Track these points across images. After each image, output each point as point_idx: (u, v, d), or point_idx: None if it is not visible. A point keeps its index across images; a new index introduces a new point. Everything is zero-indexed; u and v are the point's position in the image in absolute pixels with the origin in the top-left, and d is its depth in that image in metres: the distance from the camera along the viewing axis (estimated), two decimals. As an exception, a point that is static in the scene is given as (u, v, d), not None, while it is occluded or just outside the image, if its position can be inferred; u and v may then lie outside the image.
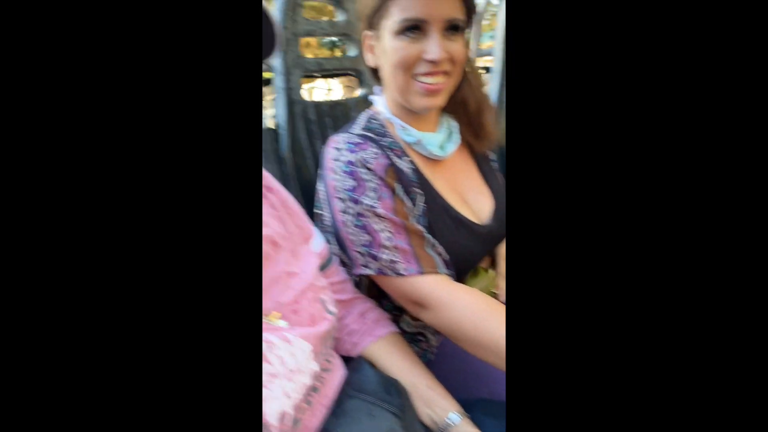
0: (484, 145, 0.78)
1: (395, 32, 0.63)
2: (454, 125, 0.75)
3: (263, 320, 0.48)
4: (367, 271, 0.64)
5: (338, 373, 0.57)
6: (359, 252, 0.64)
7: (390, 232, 0.63)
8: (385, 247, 0.62)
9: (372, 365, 0.63)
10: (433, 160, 0.72)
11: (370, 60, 0.71)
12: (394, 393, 0.59)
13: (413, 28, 0.62)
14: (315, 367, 0.51)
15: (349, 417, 0.53)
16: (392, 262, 0.62)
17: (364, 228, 0.63)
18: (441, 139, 0.72)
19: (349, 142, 0.66)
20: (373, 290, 0.72)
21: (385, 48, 0.66)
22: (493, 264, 0.80)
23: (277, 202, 0.60)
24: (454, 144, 0.73)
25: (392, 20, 0.63)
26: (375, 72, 0.73)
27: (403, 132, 0.70)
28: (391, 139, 0.70)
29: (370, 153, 0.65)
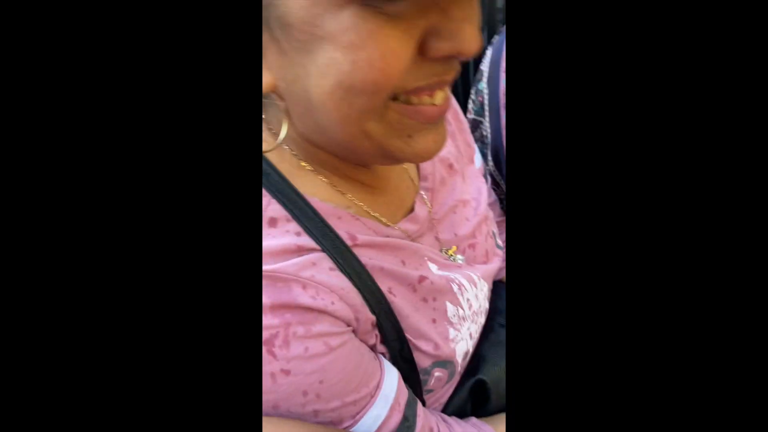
0: None
1: None
2: None
3: (444, 255, 0.44)
4: None
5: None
6: None
7: None
8: None
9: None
10: None
11: None
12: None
13: None
14: (487, 305, 0.48)
15: (503, 347, 0.52)
16: None
17: None
18: None
19: None
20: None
21: None
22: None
23: (449, 116, 0.53)
24: None
25: None
26: None
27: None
28: None
29: None
